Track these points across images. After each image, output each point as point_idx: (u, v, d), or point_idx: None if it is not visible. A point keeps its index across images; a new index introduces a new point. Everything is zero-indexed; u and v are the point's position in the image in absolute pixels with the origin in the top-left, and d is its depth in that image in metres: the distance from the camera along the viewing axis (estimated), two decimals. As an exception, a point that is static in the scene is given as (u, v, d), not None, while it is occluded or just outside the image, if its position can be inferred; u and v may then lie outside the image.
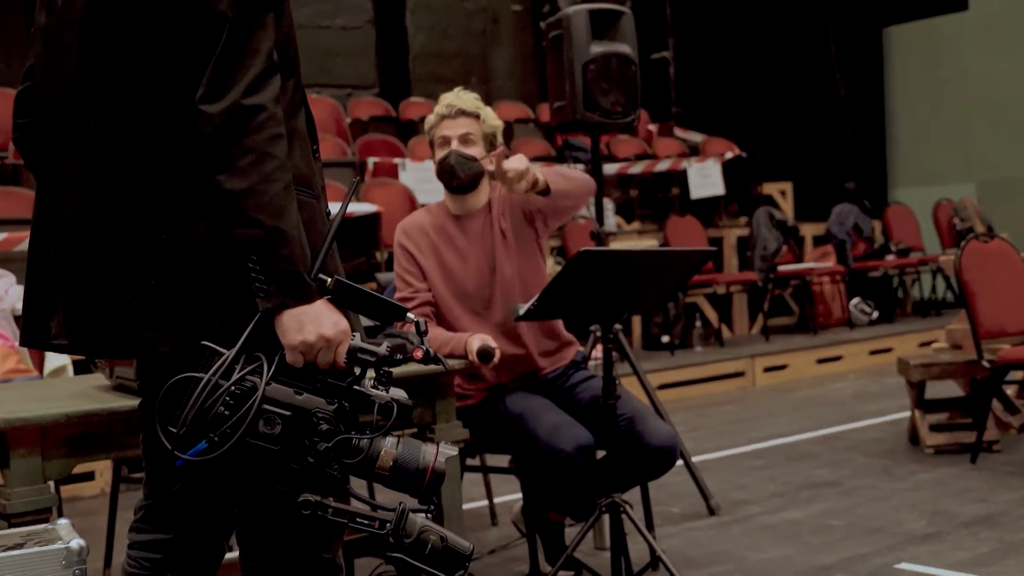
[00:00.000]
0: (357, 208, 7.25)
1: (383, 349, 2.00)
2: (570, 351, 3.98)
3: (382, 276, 4.66)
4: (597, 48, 4.92)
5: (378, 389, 2.01)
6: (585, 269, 3.50)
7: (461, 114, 3.78)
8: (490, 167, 3.78)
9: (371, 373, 2.04)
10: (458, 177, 3.76)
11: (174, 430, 1.95)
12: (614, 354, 3.81)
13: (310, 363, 2.00)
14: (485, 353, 3.50)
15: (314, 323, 1.98)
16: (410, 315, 2.08)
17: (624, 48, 4.99)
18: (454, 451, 2.05)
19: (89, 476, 5.87)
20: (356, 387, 2.01)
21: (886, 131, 13.37)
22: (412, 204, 8.15)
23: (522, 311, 3.58)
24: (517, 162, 3.65)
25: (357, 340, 2.02)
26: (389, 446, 2.00)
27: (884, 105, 13.37)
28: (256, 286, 1.96)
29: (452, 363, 3.45)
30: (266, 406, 1.95)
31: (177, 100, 2.02)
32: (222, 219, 1.98)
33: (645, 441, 3.66)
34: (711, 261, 10.08)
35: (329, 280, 2.02)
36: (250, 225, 1.94)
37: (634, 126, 5.18)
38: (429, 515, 2.04)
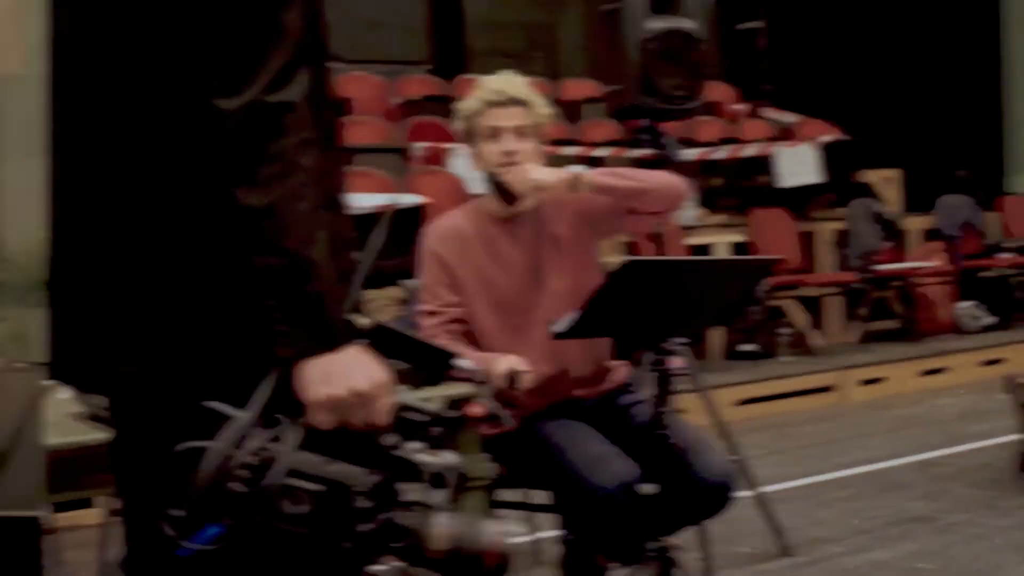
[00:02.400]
0: (402, 199, 7.20)
1: (435, 406, 1.86)
2: (619, 372, 3.90)
3: (409, 283, 4.59)
4: (657, 24, 4.84)
5: (425, 452, 1.83)
6: (633, 281, 3.42)
7: (513, 103, 3.66)
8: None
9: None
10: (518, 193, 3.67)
11: (178, 513, 1.76)
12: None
13: (341, 424, 1.82)
14: (515, 377, 3.44)
15: (343, 374, 1.78)
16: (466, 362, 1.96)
17: (688, 24, 4.92)
18: (522, 529, 1.91)
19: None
20: (397, 452, 1.83)
21: (1003, 108, 13.10)
22: (461, 196, 8.10)
23: (560, 328, 3.51)
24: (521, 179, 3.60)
25: (405, 394, 1.85)
26: (442, 523, 1.79)
27: (1000, 78, 13.10)
28: (276, 328, 1.78)
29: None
30: (291, 480, 1.76)
31: (172, 86, 1.85)
32: (236, 241, 1.80)
33: (699, 476, 3.56)
34: (802, 259, 9.97)
35: (366, 323, 1.86)
36: (269, 252, 1.77)
37: (711, 108, 5.09)
38: None
